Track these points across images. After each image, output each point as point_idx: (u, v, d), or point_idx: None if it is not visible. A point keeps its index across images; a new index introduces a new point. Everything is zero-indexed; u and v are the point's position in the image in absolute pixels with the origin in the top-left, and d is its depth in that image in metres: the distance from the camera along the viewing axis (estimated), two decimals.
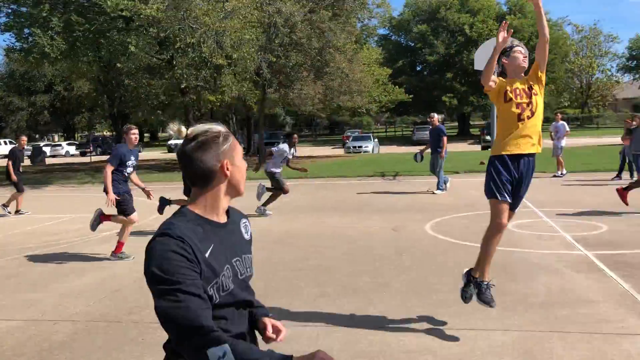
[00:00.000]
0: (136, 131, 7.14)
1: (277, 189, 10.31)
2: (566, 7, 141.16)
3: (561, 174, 15.14)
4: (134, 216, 7.12)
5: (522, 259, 6.45)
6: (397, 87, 38.22)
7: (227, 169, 1.70)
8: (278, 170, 10.17)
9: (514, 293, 5.17)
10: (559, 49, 51.27)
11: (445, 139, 12.40)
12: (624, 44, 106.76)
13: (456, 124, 66.33)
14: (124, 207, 6.99)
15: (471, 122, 63.74)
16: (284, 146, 10.15)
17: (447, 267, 6.19)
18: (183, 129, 1.72)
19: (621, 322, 4.36)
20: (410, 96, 39.54)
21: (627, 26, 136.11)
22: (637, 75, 67.70)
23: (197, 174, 1.69)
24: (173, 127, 1.74)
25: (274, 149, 10.23)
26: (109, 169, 6.83)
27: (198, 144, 1.68)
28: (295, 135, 10.71)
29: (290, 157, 10.36)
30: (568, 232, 7.78)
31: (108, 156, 8.45)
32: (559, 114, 16.77)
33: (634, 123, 13.92)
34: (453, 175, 15.68)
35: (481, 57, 17.21)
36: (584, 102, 70.30)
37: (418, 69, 56.21)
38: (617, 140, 17.30)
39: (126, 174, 7.07)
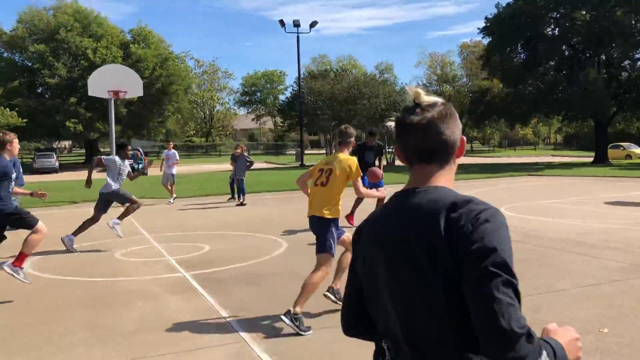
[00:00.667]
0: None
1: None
2: (189, 42, 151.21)
3: (171, 200, 15.68)
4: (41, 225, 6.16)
5: (122, 288, 6.37)
6: (8, 109, 34.18)
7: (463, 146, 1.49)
8: None
9: (104, 326, 5.02)
10: (182, 80, 54.37)
11: None
12: (238, 81, 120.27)
13: (84, 150, 63.26)
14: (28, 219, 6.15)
15: (101, 149, 61.84)
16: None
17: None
18: (423, 93, 1.44)
19: (200, 337, 4.67)
20: (25, 120, 35.83)
21: (241, 65, 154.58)
22: (249, 109, 77.22)
23: (442, 146, 1.43)
24: (411, 88, 1.45)
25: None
26: None
27: (444, 112, 1.42)
28: None
29: None
30: (173, 256, 8.09)
31: None
32: (171, 143, 17.61)
33: (238, 151, 15.69)
34: (74, 206, 14.72)
35: (94, 83, 16.82)
36: (209, 131, 76.37)
37: (39, 91, 51.58)
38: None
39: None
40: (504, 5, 33.53)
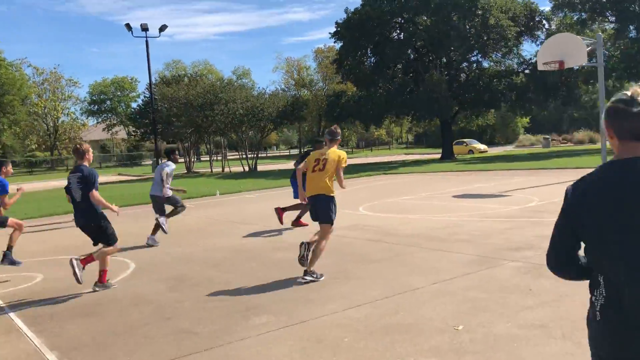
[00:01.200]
0: None
1: None
2: (25, 48, 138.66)
3: None
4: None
5: None
6: None
7: None
8: None
9: None
10: (18, 90, 49.45)
11: None
12: (85, 89, 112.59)
13: None
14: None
15: None
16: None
17: None
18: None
19: None
20: None
21: (88, 72, 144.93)
22: (99, 119, 72.33)
23: None
24: (634, 88, 1.87)
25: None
26: None
27: None
28: None
29: None
30: None
31: None
32: None
33: None
34: None
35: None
36: (53, 145, 70.21)
37: None
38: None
39: None
40: (352, 10, 34.77)
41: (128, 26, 34.65)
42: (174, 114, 33.30)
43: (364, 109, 33.42)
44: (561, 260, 2.02)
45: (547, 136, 53.65)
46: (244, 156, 35.17)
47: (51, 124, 69.20)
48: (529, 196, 12.91)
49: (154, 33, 35.40)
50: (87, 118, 72.85)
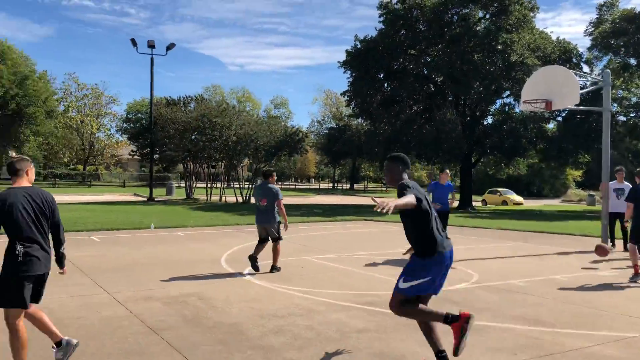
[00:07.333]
0: None
1: None
2: (103, 68, 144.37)
3: None
4: None
5: None
6: None
7: None
8: None
9: None
10: (44, 103, 49.30)
11: None
12: (123, 107, 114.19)
13: None
14: None
15: None
16: None
17: None
18: None
19: None
20: None
21: (161, 94, 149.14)
22: (129, 136, 71.67)
23: None
24: None
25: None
26: None
27: None
28: None
29: None
30: None
31: None
32: None
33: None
34: None
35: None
36: (86, 159, 70.31)
37: None
38: None
39: None
40: (361, 38, 32.10)
41: (133, 41, 33.46)
42: (167, 137, 31.37)
43: (368, 145, 30.31)
44: None
45: (593, 193, 48.59)
46: (238, 186, 32.69)
47: (86, 139, 69.56)
48: (468, 271, 9.59)
49: (161, 50, 33.77)
50: (121, 135, 72.93)
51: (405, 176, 4.48)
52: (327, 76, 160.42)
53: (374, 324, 6.04)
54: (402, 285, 4.28)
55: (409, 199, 4.02)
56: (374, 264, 10.37)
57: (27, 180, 4.33)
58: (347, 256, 11.37)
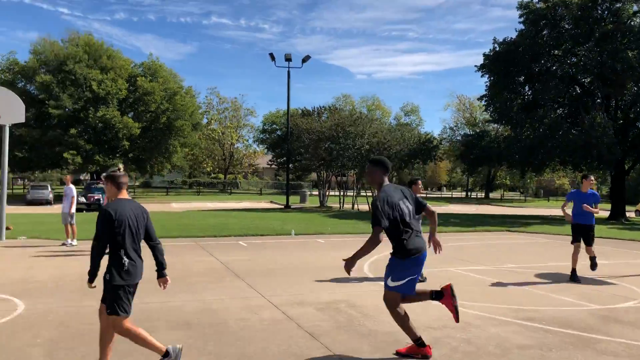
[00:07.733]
0: None
1: None
2: (238, 82, 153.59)
3: (69, 242, 13.54)
4: None
5: None
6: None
7: None
8: None
9: None
10: (190, 117, 53.39)
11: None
12: (260, 118, 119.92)
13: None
14: None
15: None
16: None
17: None
18: None
19: None
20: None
21: (290, 104, 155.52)
22: (265, 146, 75.19)
23: None
24: None
25: None
26: None
27: None
28: None
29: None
30: None
31: None
32: (68, 176, 15.43)
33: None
34: None
35: None
36: (227, 169, 75.01)
37: (46, 123, 51.55)
38: None
39: None
40: (500, 41, 30.62)
41: (272, 56, 35.04)
42: (303, 146, 32.39)
43: (508, 152, 28.81)
44: None
45: None
46: (370, 194, 32.85)
47: (227, 149, 74.15)
48: (633, 287, 8.72)
49: (296, 63, 35.07)
50: (258, 145, 76.68)
51: (386, 179, 5.01)
52: (457, 81, 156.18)
53: (535, 340, 5.70)
54: None
55: (371, 244, 4.68)
56: (527, 278, 9.78)
57: (126, 193, 4.63)
58: (495, 268, 10.86)
